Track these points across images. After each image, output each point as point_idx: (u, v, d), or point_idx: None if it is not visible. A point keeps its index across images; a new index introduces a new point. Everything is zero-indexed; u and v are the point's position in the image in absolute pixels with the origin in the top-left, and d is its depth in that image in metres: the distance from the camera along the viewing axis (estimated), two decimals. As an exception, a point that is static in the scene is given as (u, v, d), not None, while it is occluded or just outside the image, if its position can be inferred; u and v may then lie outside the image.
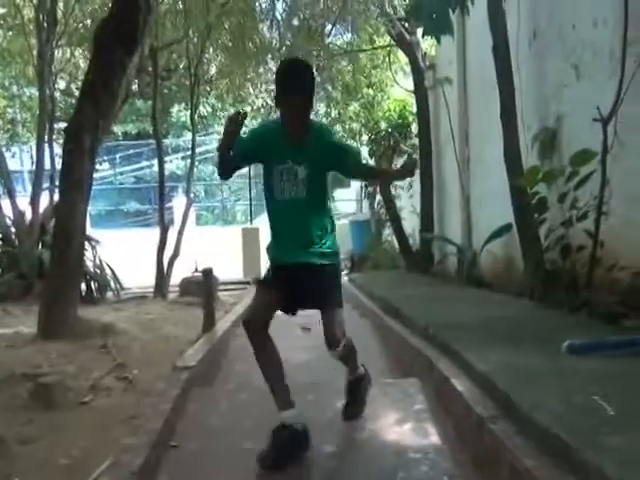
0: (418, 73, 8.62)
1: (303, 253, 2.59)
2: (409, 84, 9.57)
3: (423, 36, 6.14)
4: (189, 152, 11.08)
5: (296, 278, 2.58)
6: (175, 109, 17.84)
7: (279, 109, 2.61)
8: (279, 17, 10.58)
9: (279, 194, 2.63)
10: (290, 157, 2.60)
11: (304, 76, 2.58)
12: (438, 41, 5.47)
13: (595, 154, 4.00)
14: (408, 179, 9.99)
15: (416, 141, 9.49)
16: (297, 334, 5.11)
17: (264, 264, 11.17)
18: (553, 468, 1.78)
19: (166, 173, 11.51)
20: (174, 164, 20.05)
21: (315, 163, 2.60)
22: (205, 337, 4.50)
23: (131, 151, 20.40)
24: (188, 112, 11.38)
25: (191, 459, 2.53)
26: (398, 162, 10.59)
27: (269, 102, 12.16)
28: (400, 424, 2.77)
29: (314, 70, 2.75)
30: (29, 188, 9.32)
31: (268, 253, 2.76)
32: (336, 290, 2.67)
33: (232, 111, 2.68)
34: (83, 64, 9.99)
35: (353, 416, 2.82)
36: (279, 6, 10.64)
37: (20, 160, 15.61)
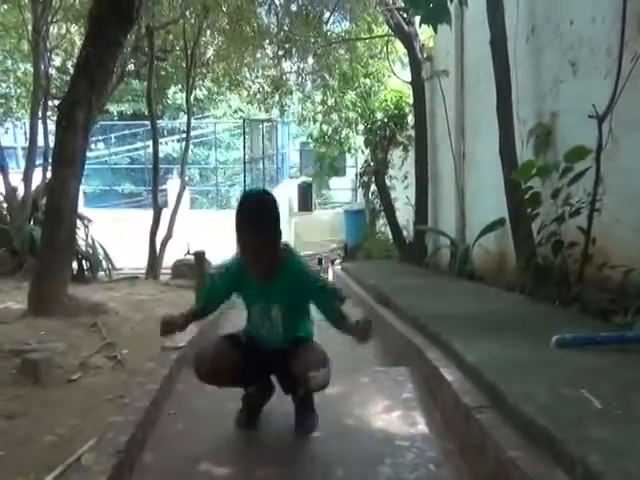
0: (415, 64, 8.58)
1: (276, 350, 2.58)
2: (406, 75, 9.53)
3: (420, 25, 6.11)
4: (184, 134, 11.03)
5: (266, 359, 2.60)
6: (171, 91, 17.73)
7: (239, 248, 2.44)
8: (277, 2, 10.50)
9: (256, 326, 2.62)
10: (262, 297, 2.52)
11: (262, 217, 2.39)
12: (435, 30, 5.45)
13: (590, 151, 4.01)
14: (403, 170, 10.00)
15: (412, 132, 9.46)
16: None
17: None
18: (538, 459, 1.79)
19: (161, 155, 11.51)
20: (169, 146, 19.96)
21: (289, 302, 2.50)
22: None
23: (126, 131, 20.27)
24: (184, 94, 11.32)
25: (176, 439, 2.54)
26: (393, 152, 10.58)
27: (265, 87, 12.11)
28: (388, 412, 2.79)
29: (274, 204, 2.44)
30: (22, 164, 9.26)
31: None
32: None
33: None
34: (79, 41, 9.88)
35: (310, 429, 2.60)
36: (278, -9, 10.56)
37: (14, 136, 15.49)
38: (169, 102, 19.59)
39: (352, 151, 13.22)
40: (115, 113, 19.52)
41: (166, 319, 2.49)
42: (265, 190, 2.66)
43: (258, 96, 12.35)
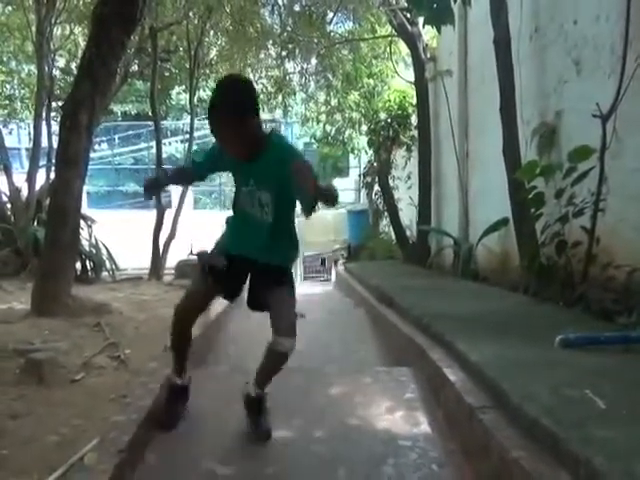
0: (419, 64, 8.58)
1: (259, 255, 2.50)
2: (410, 75, 9.53)
3: (424, 25, 6.11)
4: (188, 135, 11.05)
5: (248, 268, 2.54)
6: (175, 91, 17.74)
7: None
8: (280, 2, 10.51)
9: (245, 210, 2.50)
10: (251, 178, 2.41)
11: (227, 106, 2.26)
12: (439, 31, 5.46)
13: (594, 151, 4.00)
14: (406, 170, 9.99)
15: (415, 133, 9.47)
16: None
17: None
18: (541, 459, 1.79)
19: (164, 155, 11.50)
20: (173, 147, 19.99)
21: (277, 185, 2.36)
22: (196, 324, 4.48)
23: (130, 132, 20.31)
24: (187, 95, 11.34)
25: (179, 439, 2.54)
26: (397, 153, 10.58)
27: (269, 88, 12.13)
28: (391, 412, 2.78)
29: (248, 86, 2.37)
30: (26, 165, 9.29)
31: (221, 241, 2.65)
32: (288, 278, 2.56)
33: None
34: (83, 42, 9.90)
35: (269, 430, 2.53)
36: (281, -9, 10.57)
37: (18, 137, 15.52)
38: (172, 103, 19.62)
39: (355, 151, 13.24)
40: (119, 114, 19.57)
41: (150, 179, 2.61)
42: (237, 77, 2.60)
43: (261, 96, 12.37)
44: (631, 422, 1.88)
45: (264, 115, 16.41)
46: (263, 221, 2.45)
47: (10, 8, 10.08)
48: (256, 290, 2.58)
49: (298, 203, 2.43)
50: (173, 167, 2.68)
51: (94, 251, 7.97)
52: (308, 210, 2.20)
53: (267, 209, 2.42)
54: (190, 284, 2.80)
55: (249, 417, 2.59)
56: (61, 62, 11.22)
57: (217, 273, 2.53)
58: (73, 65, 10.75)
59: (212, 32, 10.83)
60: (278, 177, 2.31)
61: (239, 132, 2.28)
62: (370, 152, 11.42)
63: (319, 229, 15.13)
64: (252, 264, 2.52)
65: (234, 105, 2.26)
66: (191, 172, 2.76)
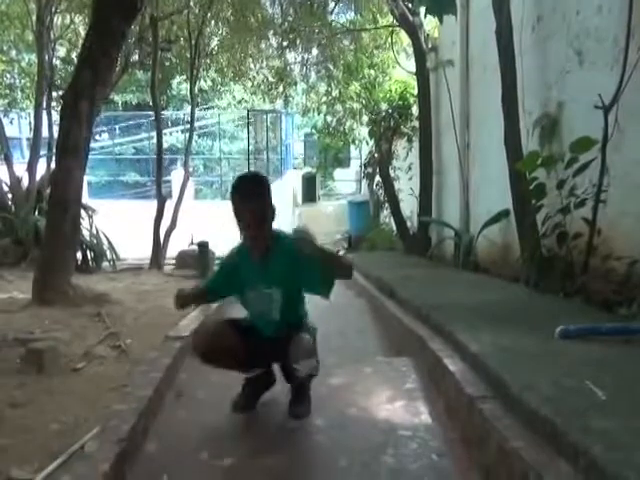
0: (420, 55, 8.54)
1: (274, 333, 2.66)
2: (411, 65, 9.49)
3: (425, 15, 6.07)
4: (188, 125, 11.03)
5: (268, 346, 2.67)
6: (175, 81, 17.69)
7: (238, 225, 2.56)
8: (282, -8, 10.47)
9: (253, 313, 2.72)
10: (260, 280, 2.61)
11: (254, 187, 2.56)
12: (440, 20, 5.41)
13: (595, 142, 3.98)
14: (407, 161, 9.95)
15: (416, 123, 9.44)
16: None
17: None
18: (541, 449, 1.79)
19: (165, 146, 11.49)
20: (174, 137, 19.97)
21: (285, 281, 2.58)
22: (199, 309, 4.50)
23: (130, 122, 20.27)
24: (188, 85, 11.31)
25: (179, 428, 2.55)
26: (398, 143, 10.56)
27: (270, 78, 12.09)
28: (391, 402, 2.79)
29: (267, 181, 2.67)
30: (27, 155, 9.29)
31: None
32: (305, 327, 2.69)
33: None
34: (83, 31, 9.86)
35: (303, 414, 2.64)
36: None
37: (18, 127, 15.50)
38: (173, 93, 19.59)
39: (356, 142, 13.19)
40: (119, 103, 19.52)
41: (180, 293, 2.64)
42: (259, 173, 2.89)
43: (262, 87, 12.33)
44: (631, 413, 1.88)
45: (265, 106, 16.40)
46: (270, 319, 2.65)
47: (10, -4, 10.05)
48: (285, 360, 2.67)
49: (313, 289, 2.62)
50: (193, 290, 2.91)
51: (95, 241, 7.98)
52: (327, 289, 2.52)
53: (275, 306, 2.62)
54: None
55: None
56: (62, 51, 11.19)
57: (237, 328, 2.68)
58: (74, 54, 10.71)
59: (213, 22, 10.79)
60: (287, 274, 2.54)
61: (266, 214, 2.52)
62: (371, 143, 11.39)
63: (320, 220, 15.14)
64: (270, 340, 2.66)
65: (263, 189, 2.55)
66: (206, 292, 2.83)
